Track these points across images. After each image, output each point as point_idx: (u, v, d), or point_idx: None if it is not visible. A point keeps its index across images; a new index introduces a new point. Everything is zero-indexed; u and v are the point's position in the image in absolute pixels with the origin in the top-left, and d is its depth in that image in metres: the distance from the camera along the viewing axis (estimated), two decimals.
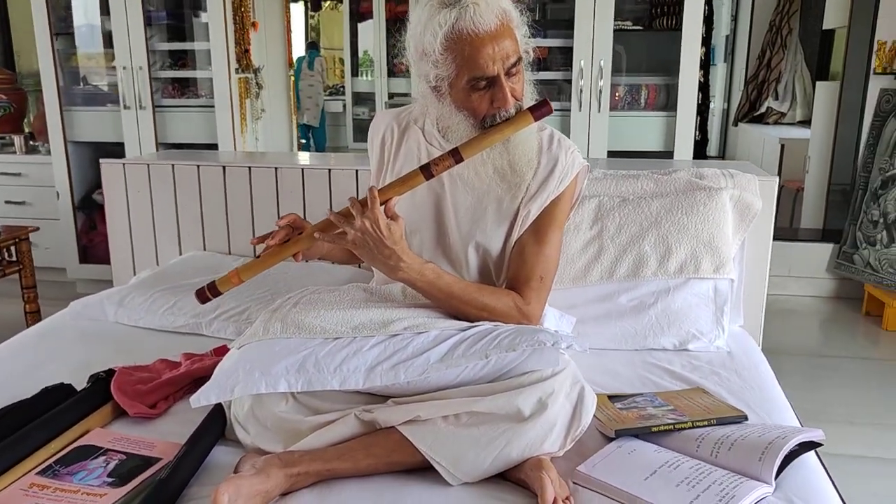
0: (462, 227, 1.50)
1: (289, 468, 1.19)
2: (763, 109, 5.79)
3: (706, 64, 3.44)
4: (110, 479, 1.20)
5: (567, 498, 1.15)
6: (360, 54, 8.54)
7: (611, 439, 1.32)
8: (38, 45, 3.62)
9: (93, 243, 3.95)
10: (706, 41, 3.32)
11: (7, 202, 4.01)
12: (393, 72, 7.46)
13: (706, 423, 1.32)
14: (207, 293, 1.42)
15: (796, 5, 5.58)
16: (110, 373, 1.51)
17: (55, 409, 1.39)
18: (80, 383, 1.51)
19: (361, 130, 8.14)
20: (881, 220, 3.55)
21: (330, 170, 2.12)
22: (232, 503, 1.09)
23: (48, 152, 3.98)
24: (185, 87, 3.82)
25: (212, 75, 3.61)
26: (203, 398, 1.30)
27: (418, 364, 1.27)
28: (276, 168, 2.15)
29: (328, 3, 8.46)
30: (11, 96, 4.13)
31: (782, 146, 4.92)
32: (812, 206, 4.31)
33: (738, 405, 1.43)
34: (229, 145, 3.58)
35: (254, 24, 3.71)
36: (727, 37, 6.58)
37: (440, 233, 1.53)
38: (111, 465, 1.24)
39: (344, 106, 8.87)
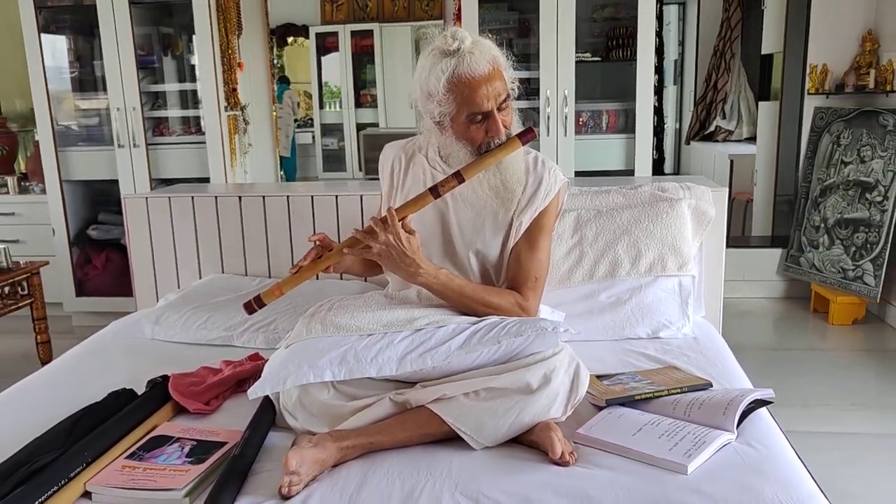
0: (465, 238, 1.76)
1: (339, 442, 1.42)
2: (712, 128, 6.20)
3: (659, 89, 3.79)
4: (189, 459, 1.42)
5: (571, 452, 1.41)
6: (325, 87, 8.81)
7: (602, 408, 1.58)
8: (33, 89, 3.80)
9: (87, 277, 4.11)
10: (658, 69, 3.67)
11: (1, 241, 4.14)
12: (360, 103, 7.76)
13: (679, 390, 1.60)
14: (254, 305, 1.65)
15: (737, 31, 6.02)
16: (165, 378, 1.73)
17: (125, 409, 1.60)
18: (137, 389, 1.72)
19: (330, 160, 8.37)
20: (822, 225, 3.92)
21: (337, 196, 2.37)
22: (298, 467, 1.32)
23: (42, 191, 4.15)
24: (175, 125, 4.04)
25: (201, 113, 3.84)
26: (259, 390, 1.53)
27: (442, 351, 1.52)
28: (287, 196, 2.40)
29: (292, 38, 8.73)
30: (2, 139, 4.30)
31: (731, 161, 5.32)
32: (761, 215, 4.68)
33: (704, 377, 1.71)
34: (220, 178, 3.81)
35: (240, 65, 3.96)
36: (675, 61, 7.02)
37: (446, 243, 1.79)
38: (186, 449, 1.46)
39: (313, 137, 9.11)
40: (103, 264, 4.09)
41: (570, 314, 1.96)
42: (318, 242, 1.71)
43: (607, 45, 3.90)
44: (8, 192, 4.23)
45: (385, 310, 1.67)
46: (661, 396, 1.58)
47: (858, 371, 3.21)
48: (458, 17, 3.76)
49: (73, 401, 1.67)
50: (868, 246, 3.67)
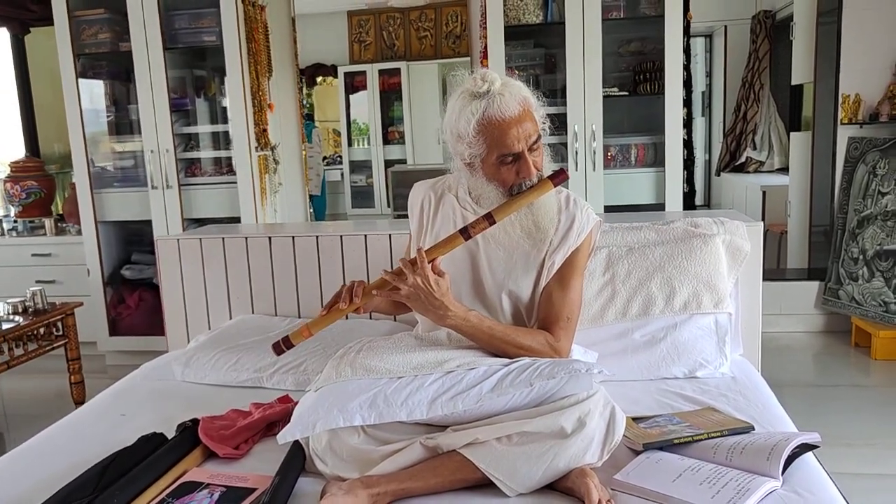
0: (497, 278, 1.74)
1: (370, 489, 1.40)
2: (743, 159, 6.14)
3: (688, 122, 3.76)
4: None
5: (609, 500, 1.36)
6: (353, 125, 8.95)
7: (639, 452, 1.53)
8: (70, 133, 3.90)
9: (121, 317, 4.15)
10: (686, 101, 3.65)
11: (38, 281, 4.22)
12: (388, 139, 7.85)
13: (719, 433, 1.55)
14: (282, 346, 1.64)
15: (765, 62, 5.99)
16: (195, 422, 1.72)
17: (154, 453, 1.59)
18: (167, 433, 1.71)
19: (358, 196, 8.45)
20: (861, 257, 3.83)
21: (366, 235, 2.37)
22: None
23: (77, 233, 4.23)
24: (207, 166, 4.10)
25: (232, 154, 3.90)
26: (289, 435, 1.51)
27: (473, 394, 1.49)
28: (316, 236, 2.40)
29: (321, 78, 8.91)
30: (41, 182, 4.41)
31: (764, 193, 5.24)
32: (796, 247, 4.59)
33: (745, 419, 1.65)
34: (251, 218, 3.84)
35: (270, 106, 4.02)
36: (703, 93, 7.00)
37: (476, 284, 1.77)
38: (216, 496, 1.44)
39: (342, 174, 9.23)
40: (136, 304, 4.13)
41: (603, 353, 1.92)
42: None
43: (634, 80, 3.89)
44: (45, 234, 4.33)
45: (415, 352, 1.65)
46: (701, 440, 1.53)
47: None
48: (484, 55, 3.79)
49: (103, 444, 1.67)
50: None
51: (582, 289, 1.75)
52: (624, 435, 1.52)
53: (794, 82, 4.94)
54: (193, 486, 1.48)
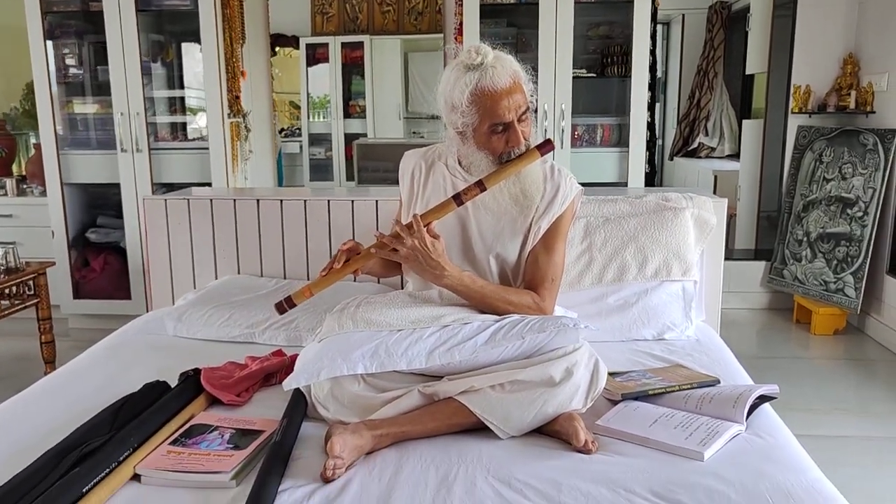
0: (486, 242, 1.86)
1: (373, 430, 1.50)
2: (695, 145, 6.38)
3: (652, 105, 3.93)
4: (231, 445, 1.49)
5: (593, 441, 1.50)
6: (311, 98, 8.91)
7: (618, 402, 1.68)
8: (38, 93, 3.85)
9: (85, 280, 4.13)
10: (651, 86, 3.81)
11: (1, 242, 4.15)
12: (348, 113, 7.84)
13: (689, 386, 1.70)
14: (285, 305, 1.72)
15: (720, 52, 6.22)
16: (197, 371, 1.80)
17: (161, 399, 1.67)
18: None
19: (317, 169, 8.43)
20: (805, 239, 4.08)
21: (353, 201, 2.46)
22: (341, 451, 1.40)
23: (41, 194, 4.18)
24: (177, 131, 4.09)
25: (204, 119, 3.90)
26: (294, 381, 1.61)
27: (468, 346, 1.61)
28: (304, 200, 2.48)
29: (282, 49, 8.82)
30: (3, 141, 4.32)
31: (715, 177, 5.48)
32: (744, 229, 4.84)
33: (707, 373, 1.81)
34: (222, 184, 3.86)
35: (242, 73, 4.03)
36: (659, 79, 7.21)
37: (466, 247, 1.88)
38: (226, 436, 1.53)
39: (300, 146, 9.18)
40: (101, 267, 4.11)
41: (580, 316, 2.05)
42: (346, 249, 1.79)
43: (602, 62, 4.03)
44: (6, 194, 4.25)
45: (411, 307, 1.75)
46: (673, 391, 1.69)
47: (840, 379, 3.35)
48: (459, 32, 3.87)
49: (109, 391, 1.74)
50: (849, 259, 3.82)
51: (565, 253, 1.88)
52: (604, 388, 1.66)
53: (748, 72, 5.18)
54: (204, 428, 1.56)
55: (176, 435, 1.54)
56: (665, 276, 2.16)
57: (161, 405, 1.63)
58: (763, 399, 1.65)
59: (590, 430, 1.54)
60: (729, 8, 6.16)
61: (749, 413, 1.58)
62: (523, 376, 1.56)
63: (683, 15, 6.63)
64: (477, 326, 1.66)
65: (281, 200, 2.49)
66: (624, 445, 1.50)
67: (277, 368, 1.88)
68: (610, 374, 1.81)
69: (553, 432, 1.55)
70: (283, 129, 10.16)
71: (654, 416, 1.58)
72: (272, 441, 1.47)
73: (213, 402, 1.73)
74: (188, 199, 2.53)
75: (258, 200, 2.50)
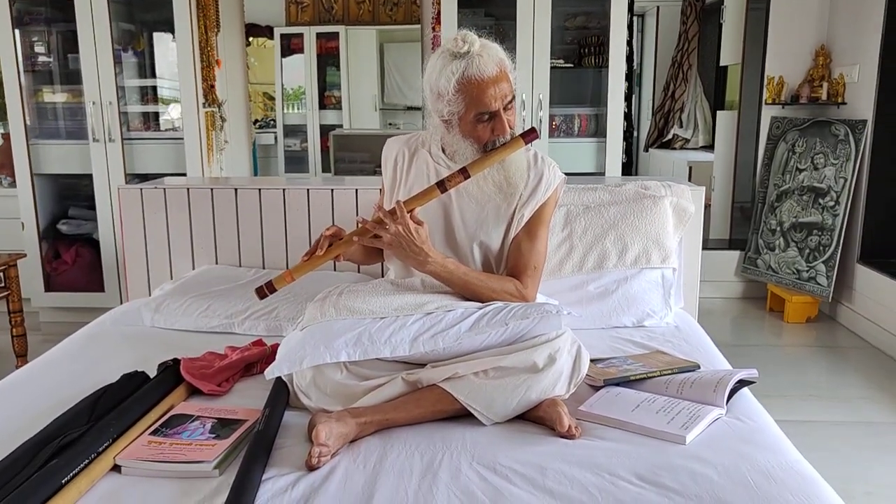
0: (469, 229, 1.86)
1: (357, 418, 1.50)
2: (670, 136, 6.43)
3: (629, 95, 3.95)
4: (213, 435, 1.47)
5: (577, 426, 1.51)
6: (286, 89, 8.84)
7: (599, 388, 1.69)
8: (6, 82, 3.75)
9: (56, 272, 4.05)
10: (628, 76, 3.83)
11: None
12: (324, 104, 7.78)
13: (670, 371, 1.72)
14: (265, 290, 1.71)
15: (694, 44, 6.27)
16: (176, 361, 1.77)
17: (140, 389, 1.64)
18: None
19: (292, 161, 8.35)
20: (778, 229, 4.13)
21: (332, 189, 2.44)
22: (327, 439, 1.39)
23: (10, 185, 4.09)
24: (151, 121, 4.03)
25: (178, 109, 3.84)
26: (276, 370, 1.59)
27: (452, 333, 1.61)
28: (283, 189, 2.45)
29: (255, 39, 8.72)
30: None
31: (690, 168, 5.54)
32: (719, 219, 4.89)
33: (688, 359, 1.83)
34: (197, 174, 3.82)
35: (217, 62, 3.98)
36: (634, 71, 7.25)
37: (448, 235, 1.88)
38: (208, 426, 1.51)
39: (275, 138, 9.10)
40: (73, 259, 4.04)
41: (561, 303, 2.06)
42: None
43: (579, 53, 4.05)
44: None
45: (394, 295, 1.75)
46: (654, 377, 1.70)
47: (812, 365, 3.41)
48: (437, 21, 3.86)
49: (85, 382, 1.71)
50: (821, 248, 3.89)
51: (547, 241, 1.89)
52: (587, 374, 1.67)
53: (722, 63, 5.22)
54: (185, 418, 1.54)
55: (156, 425, 1.52)
56: (644, 263, 2.18)
57: (140, 395, 1.61)
58: (742, 383, 1.67)
59: (573, 415, 1.55)
60: (703, 1, 6.21)
61: (729, 397, 1.60)
62: (507, 363, 1.57)
63: (658, 7, 6.67)
64: (461, 314, 1.66)
65: (259, 189, 2.47)
66: (607, 430, 1.51)
67: (258, 358, 1.86)
68: (592, 360, 1.82)
69: (537, 418, 1.55)
70: (257, 121, 10.06)
71: (636, 401, 1.60)
72: (255, 430, 1.46)
73: (194, 392, 1.71)
74: (164, 189, 2.49)
75: (236, 189, 2.47)
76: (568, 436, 1.48)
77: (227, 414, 1.57)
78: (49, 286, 4.04)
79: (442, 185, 1.73)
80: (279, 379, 1.66)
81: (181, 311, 2.14)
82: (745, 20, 4.51)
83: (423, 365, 1.64)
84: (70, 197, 4.12)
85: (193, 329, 2.11)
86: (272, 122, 9.71)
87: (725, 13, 4.88)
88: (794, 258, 4.02)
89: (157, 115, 4.07)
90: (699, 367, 1.76)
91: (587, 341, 1.98)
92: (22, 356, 3.20)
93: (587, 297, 2.16)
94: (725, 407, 1.56)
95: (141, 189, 2.50)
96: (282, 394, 1.63)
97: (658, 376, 1.71)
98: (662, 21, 6.75)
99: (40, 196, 3.95)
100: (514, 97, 1.76)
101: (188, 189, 2.48)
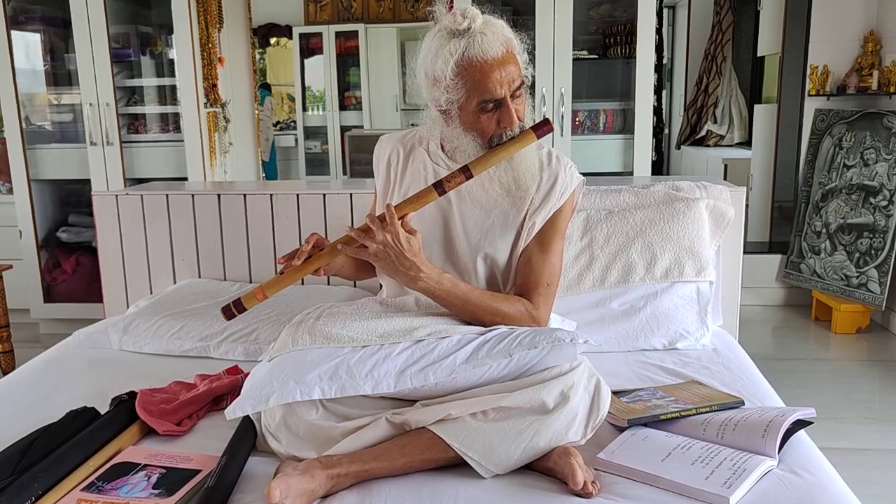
0: (471, 240, 1.60)
1: (330, 469, 1.25)
2: (703, 133, 6.10)
3: (658, 89, 3.66)
4: (156, 491, 1.23)
5: (594, 482, 1.24)
6: (308, 90, 8.67)
7: (623, 429, 1.42)
8: (1, 85, 3.59)
9: (56, 282, 3.89)
10: (657, 68, 3.54)
11: None
12: (344, 105, 7.59)
13: (708, 409, 1.44)
14: (233, 309, 1.47)
15: (728, 35, 5.93)
16: (132, 395, 1.54)
17: (85, 430, 1.42)
18: (100, 408, 1.53)
19: (313, 163, 8.19)
20: (824, 231, 3.80)
21: (324, 195, 2.19)
22: (283, 499, 1.14)
23: (7, 192, 3.93)
24: (151, 123, 3.84)
25: (179, 110, 3.65)
26: (238, 409, 1.35)
27: (446, 365, 1.35)
28: (270, 195, 2.22)
29: (275, 40, 8.59)
30: None
31: (725, 166, 5.20)
32: (758, 220, 4.56)
33: (733, 394, 1.55)
34: (199, 178, 3.61)
35: (220, 60, 3.77)
36: (665, 65, 6.93)
37: (448, 245, 1.62)
38: (153, 479, 1.27)
39: (296, 140, 8.94)
40: (73, 268, 3.87)
41: (579, 323, 1.80)
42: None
43: (604, 43, 3.76)
44: None
45: (380, 318, 1.49)
46: (689, 416, 1.42)
47: (865, 382, 3.08)
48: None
49: (29, 420, 1.49)
50: (872, 252, 3.55)
51: (562, 253, 1.62)
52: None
53: (760, 53, 4.89)
54: (128, 468, 1.31)
55: (92, 478, 1.28)
56: (677, 276, 1.89)
57: (83, 438, 1.38)
58: (798, 424, 1.39)
59: (590, 465, 1.29)
60: None
61: (782, 443, 1.31)
62: (510, 402, 1.30)
63: None
64: (457, 341, 1.40)
65: (244, 195, 2.23)
66: (632, 486, 1.25)
67: (228, 390, 1.62)
68: (614, 393, 1.55)
69: (546, 470, 1.29)
70: (278, 122, 9.95)
71: (667, 447, 1.32)
72: (205, 486, 1.22)
73: (150, 431, 1.48)
74: (141, 195, 2.27)
75: (219, 196, 2.24)
76: (583, 494, 1.21)
77: (179, 462, 1.33)
78: (49, 297, 3.87)
79: (440, 187, 1.47)
80: (246, 418, 1.42)
81: (151, 333, 1.91)
82: (786, 6, 4.17)
83: (412, 402, 1.39)
84: (71, 203, 3.96)
85: (164, 352, 1.88)
86: (293, 124, 9.57)
87: (763, 0, 4.55)
88: (842, 262, 3.69)
89: (158, 116, 3.88)
90: (744, 402, 1.48)
91: (609, 367, 1.73)
92: (9, 372, 3.00)
93: (610, 316, 1.87)
94: (778, 457, 1.28)
95: (116, 196, 2.28)
96: (246, 437, 1.39)
97: (694, 414, 1.43)
98: (694, 12, 6.41)
99: (39, 203, 3.79)
100: (523, 83, 1.50)
101: (167, 196, 2.25)
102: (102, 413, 1.51)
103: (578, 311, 1.86)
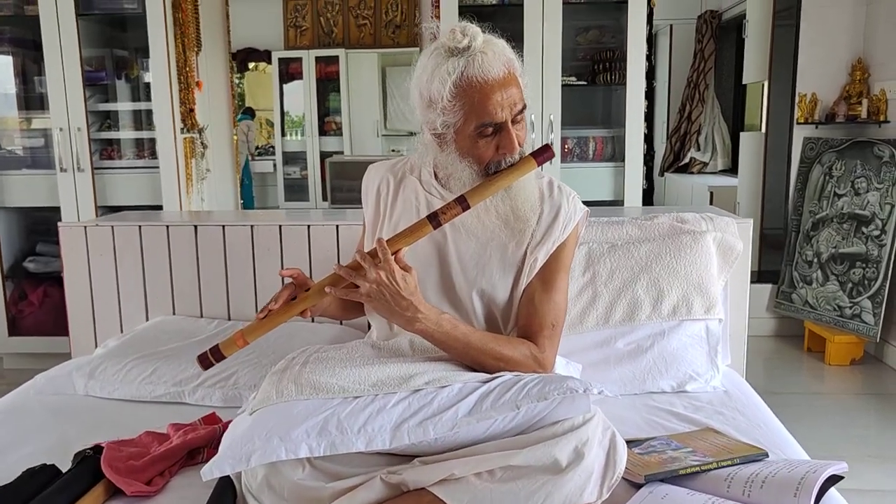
0: (467, 276, 1.48)
1: None
2: (686, 160, 6.08)
3: (649, 116, 3.60)
4: None
5: None
6: (287, 115, 8.58)
7: (639, 486, 1.30)
8: None
9: (22, 315, 3.71)
10: (649, 95, 3.48)
11: None
12: (324, 131, 7.49)
13: (730, 462, 1.33)
14: (211, 358, 1.34)
15: (711, 63, 5.94)
16: (97, 449, 1.40)
17: (42, 492, 1.27)
18: (62, 463, 1.39)
19: (292, 189, 8.05)
20: (815, 260, 3.74)
21: (309, 226, 2.07)
22: None
23: None
24: (125, 148, 3.70)
25: (155, 135, 3.51)
26: (216, 469, 1.21)
27: (447, 419, 1.23)
28: (251, 226, 2.08)
29: (254, 64, 8.49)
30: None
31: (711, 193, 5.16)
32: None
33: (751, 443, 1.44)
34: (175, 206, 3.47)
35: (198, 84, 3.65)
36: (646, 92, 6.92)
37: (444, 282, 1.50)
38: None
39: (274, 165, 8.81)
40: (40, 300, 3.69)
41: (584, 364, 1.69)
42: (291, 279, 1.41)
43: (593, 69, 3.70)
44: None
45: (373, 365, 1.36)
46: (711, 470, 1.31)
47: (862, 416, 3.00)
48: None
49: None
50: (866, 282, 3.49)
51: (567, 290, 1.51)
52: None
53: (745, 81, 4.87)
54: None
55: None
56: (685, 314, 1.78)
57: (41, 502, 1.23)
58: (829, 480, 1.28)
59: None
60: (719, 17, 5.90)
61: (816, 502, 1.20)
62: (519, 460, 1.18)
63: (671, 25, 6.36)
64: (458, 391, 1.27)
65: (223, 226, 2.09)
66: None
67: (205, 442, 1.48)
68: (626, 442, 1.43)
69: None
70: (257, 147, 9.79)
71: None
72: None
73: (117, 491, 1.33)
74: (112, 227, 2.12)
75: (195, 227, 2.10)
76: None
77: None
78: (14, 330, 3.68)
79: (435, 219, 1.35)
80: (225, 477, 1.28)
81: (120, 377, 1.76)
82: (772, 34, 4.16)
83: (409, 458, 1.26)
84: (39, 232, 3.79)
85: (134, 398, 1.73)
86: (271, 150, 9.42)
87: (749, 28, 4.54)
88: (834, 293, 3.62)
89: (133, 141, 3.73)
90: (767, 454, 1.37)
91: (616, 412, 1.61)
92: None
93: (615, 357, 1.76)
94: None
95: (85, 227, 2.13)
96: (224, 498, 1.25)
97: (715, 468, 1.32)
98: (676, 40, 6.44)
99: (5, 231, 3.63)
100: (524, 107, 1.40)
101: (140, 227, 2.11)
102: (64, 471, 1.36)
103: (582, 351, 1.74)
